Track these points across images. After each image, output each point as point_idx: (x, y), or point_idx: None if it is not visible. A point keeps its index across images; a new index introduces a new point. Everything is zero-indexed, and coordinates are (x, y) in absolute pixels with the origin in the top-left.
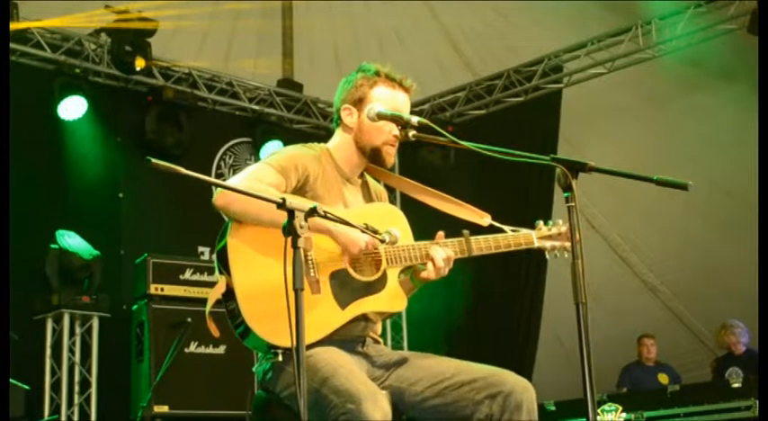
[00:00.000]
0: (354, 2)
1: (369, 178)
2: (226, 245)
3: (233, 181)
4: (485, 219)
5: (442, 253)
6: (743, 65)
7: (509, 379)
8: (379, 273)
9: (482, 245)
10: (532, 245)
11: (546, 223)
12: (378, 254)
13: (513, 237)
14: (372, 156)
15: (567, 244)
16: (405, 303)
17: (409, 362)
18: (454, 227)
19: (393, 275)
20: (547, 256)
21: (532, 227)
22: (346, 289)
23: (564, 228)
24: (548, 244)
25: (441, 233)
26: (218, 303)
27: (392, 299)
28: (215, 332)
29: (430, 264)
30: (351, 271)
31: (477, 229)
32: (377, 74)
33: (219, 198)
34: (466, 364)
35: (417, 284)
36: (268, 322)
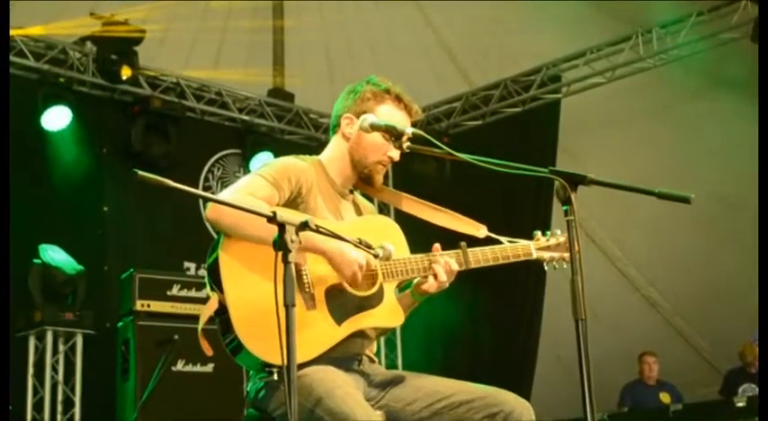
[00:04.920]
0: (347, 10)
1: (357, 195)
2: (217, 259)
3: (224, 194)
4: (481, 231)
5: (445, 265)
6: (747, 74)
7: (508, 398)
8: (376, 288)
9: (479, 257)
10: (531, 256)
11: (544, 234)
12: (373, 269)
13: (512, 249)
14: (361, 171)
15: (566, 255)
16: (402, 318)
17: (405, 381)
18: (450, 239)
19: (390, 290)
20: (546, 268)
21: (531, 239)
22: (342, 304)
23: (562, 239)
24: (546, 255)
25: (437, 245)
26: (210, 320)
27: (389, 314)
28: (208, 351)
29: (431, 277)
30: (346, 286)
31: (473, 241)
32: (387, 91)
33: (211, 211)
34: (463, 384)
35: (418, 299)
36: (261, 339)
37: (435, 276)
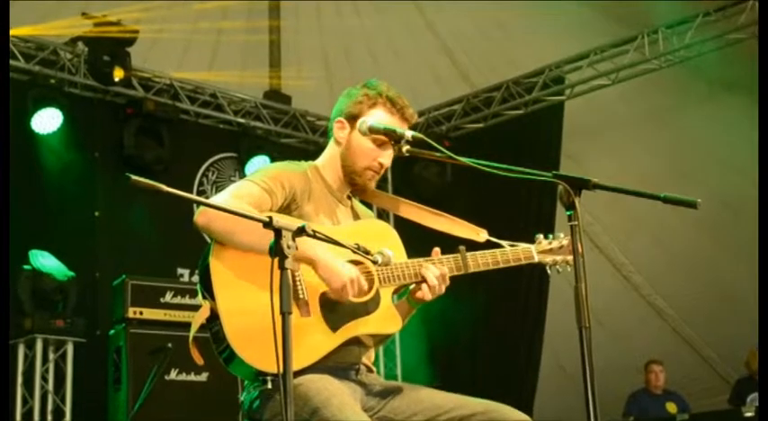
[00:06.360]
0: (345, 10)
1: (355, 202)
2: (208, 266)
3: (215, 199)
4: (481, 235)
5: (435, 270)
6: (754, 76)
7: (509, 413)
8: (372, 294)
9: (479, 261)
10: (532, 259)
11: (546, 236)
12: (370, 274)
13: (512, 252)
14: (350, 177)
15: (569, 257)
16: (400, 324)
17: (404, 393)
18: (450, 243)
19: (386, 295)
20: (548, 271)
21: (532, 243)
22: (337, 311)
23: (565, 242)
24: (548, 258)
25: (436, 249)
26: (202, 328)
27: (386, 320)
28: (198, 359)
29: (424, 284)
30: None
31: (474, 246)
32: (379, 94)
33: (201, 216)
34: (462, 398)
35: (414, 305)
36: (254, 347)
37: (427, 283)
